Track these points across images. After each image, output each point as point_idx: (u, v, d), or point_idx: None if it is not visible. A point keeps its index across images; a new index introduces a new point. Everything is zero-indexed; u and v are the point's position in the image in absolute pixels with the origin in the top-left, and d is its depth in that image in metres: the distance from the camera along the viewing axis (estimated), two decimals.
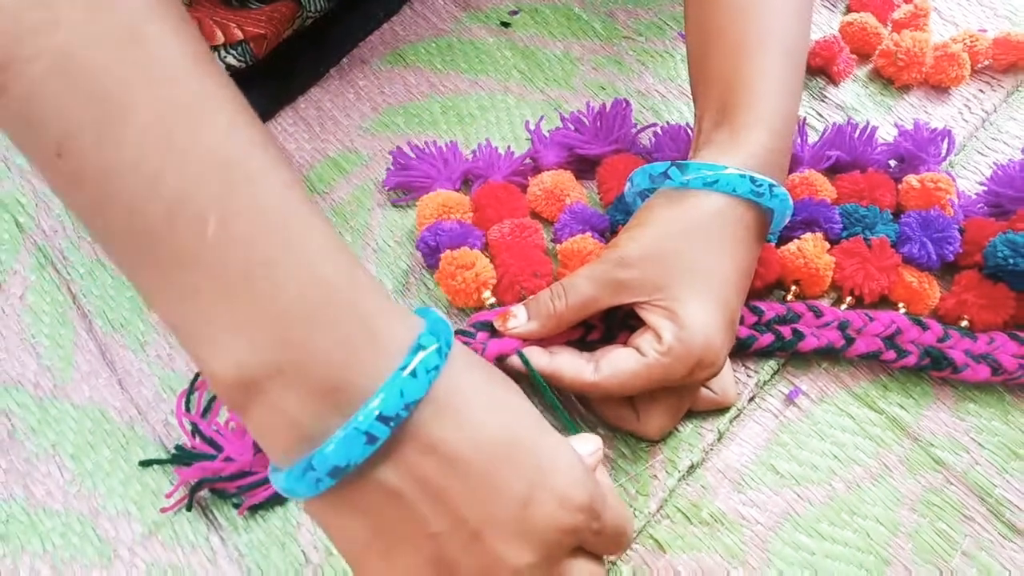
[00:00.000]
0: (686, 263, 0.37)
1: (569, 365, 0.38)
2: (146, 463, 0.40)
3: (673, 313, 0.36)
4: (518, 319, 0.39)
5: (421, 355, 0.26)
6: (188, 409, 0.41)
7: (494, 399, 0.29)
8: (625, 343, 0.39)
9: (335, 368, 0.25)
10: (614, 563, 0.38)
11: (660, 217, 0.39)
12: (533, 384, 0.38)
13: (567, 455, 0.30)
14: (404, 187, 0.50)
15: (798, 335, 0.42)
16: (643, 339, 0.37)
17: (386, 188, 0.51)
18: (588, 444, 0.33)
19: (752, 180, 0.37)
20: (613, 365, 0.37)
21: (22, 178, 0.52)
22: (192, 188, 0.24)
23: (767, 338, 0.42)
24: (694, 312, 0.37)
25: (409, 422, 0.26)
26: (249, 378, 0.25)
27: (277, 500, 0.39)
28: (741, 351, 0.42)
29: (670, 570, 0.38)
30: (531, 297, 0.40)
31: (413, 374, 0.26)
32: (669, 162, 0.39)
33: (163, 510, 0.39)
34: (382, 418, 0.25)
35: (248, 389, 0.25)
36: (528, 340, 0.39)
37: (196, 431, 0.40)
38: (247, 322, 0.25)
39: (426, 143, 0.51)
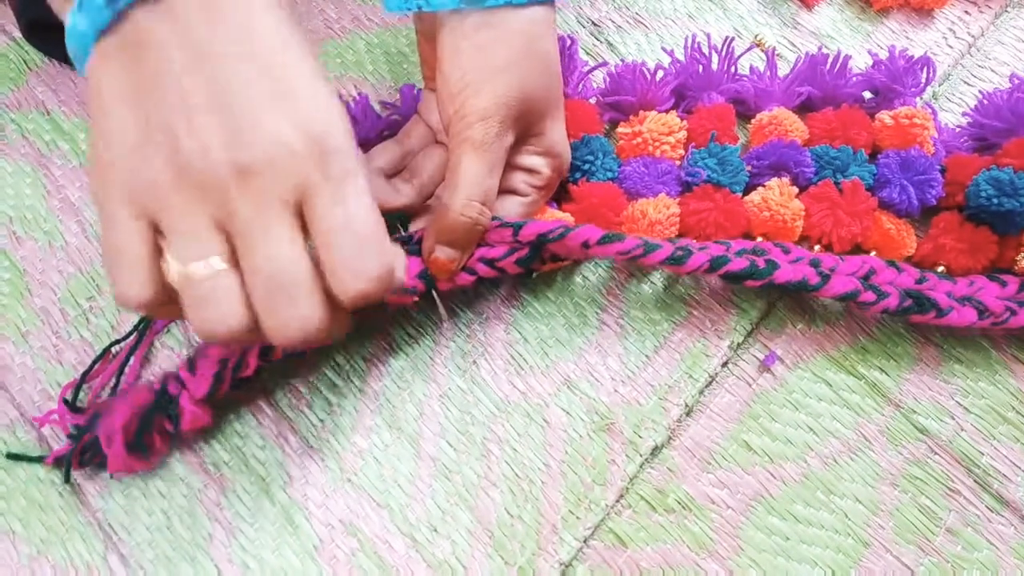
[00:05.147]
0: (541, 93, 0.35)
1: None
2: (15, 456, 0.35)
3: (544, 149, 0.37)
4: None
5: None
6: (74, 404, 0.36)
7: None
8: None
9: None
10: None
11: (494, 47, 0.34)
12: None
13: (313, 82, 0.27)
14: None
15: (772, 264, 0.37)
16: (516, 179, 0.37)
17: None
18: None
19: None
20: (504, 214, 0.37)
21: None
22: None
23: (741, 262, 0.37)
24: (558, 137, 0.38)
25: None
26: None
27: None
28: (713, 271, 0.37)
29: (633, 566, 0.34)
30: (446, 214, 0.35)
31: None
32: None
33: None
34: None
35: None
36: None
37: (80, 433, 0.34)
38: None
39: (356, 87, 0.45)
